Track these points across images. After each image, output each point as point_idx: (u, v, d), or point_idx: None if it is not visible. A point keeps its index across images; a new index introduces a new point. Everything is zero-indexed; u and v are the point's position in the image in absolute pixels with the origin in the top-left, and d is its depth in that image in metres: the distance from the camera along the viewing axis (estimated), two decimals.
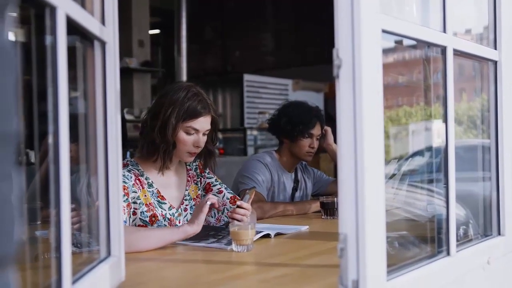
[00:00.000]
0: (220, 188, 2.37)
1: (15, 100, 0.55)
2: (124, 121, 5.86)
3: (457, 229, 1.57)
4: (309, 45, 9.22)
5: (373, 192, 1.17)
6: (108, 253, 1.35)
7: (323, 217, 2.65)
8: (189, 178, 2.35)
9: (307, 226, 2.36)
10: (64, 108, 0.99)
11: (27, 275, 1.07)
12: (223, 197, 2.32)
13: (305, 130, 2.96)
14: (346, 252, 1.16)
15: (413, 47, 1.74)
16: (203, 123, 2.19)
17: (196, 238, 1.99)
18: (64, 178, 0.99)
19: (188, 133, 2.17)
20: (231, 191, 2.39)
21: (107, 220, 1.35)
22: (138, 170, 2.19)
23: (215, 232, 2.13)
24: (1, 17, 0.53)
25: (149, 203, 2.16)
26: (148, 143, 2.18)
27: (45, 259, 1.35)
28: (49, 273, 1.07)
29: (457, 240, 1.54)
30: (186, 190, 2.32)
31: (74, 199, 1.11)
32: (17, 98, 0.55)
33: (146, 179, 2.20)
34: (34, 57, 1.01)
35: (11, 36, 0.56)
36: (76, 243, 1.30)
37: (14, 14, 0.57)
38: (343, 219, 1.16)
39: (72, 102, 1.06)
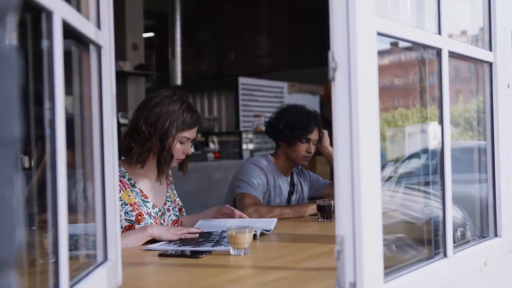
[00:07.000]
0: (169, 206, 2.42)
1: (17, 105, 0.55)
2: (118, 125, 5.83)
3: (454, 231, 1.57)
4: (305, 47, 9.22)
5: (370, 194, 1.17)
6: (105, 258, 1.35)
7: (319, 220, 2.64)
8: (168, 183, 2.45)
9: (276, 220, 2.40)
10: (61, 112, 0.99)
11: (23, 280, 1.06)
12: (169, 217, 2.37)
13: (303, 135, 2.94)
14: (343, 254, 1.16)
15: (409, 49, 1.74)
16: (195, 132, 2.33)
17: (194, 244, 1.98)
18: (61, 183, 0.98)
19: (181, 143, 2.27)
20: (177, 214, 2.43)
21: (104, 225, 1.35)
22: (119, 172, 2.23)
23: (208, 236, 2.12)
24: (2, 22, 0.53)
25: (134, 203, 2.22)
26: (145, 151, 2.23)
27: (40, 264, 1.35)
28: (45, 278, 1.06)
29: (454, 242, 1.54)
30: (167, 192, 2.42)
31: (71, 204, 1.11)
32: (19, 103, 0.56)
33: (128, 180, 2.26)
34: (30, 61, 1.01)
35: (12, 41, 0.56)
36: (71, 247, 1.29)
37: (15, 19, 0.58)
38: (340, 221, 1.16)
39: (67, 106, 1.06)
